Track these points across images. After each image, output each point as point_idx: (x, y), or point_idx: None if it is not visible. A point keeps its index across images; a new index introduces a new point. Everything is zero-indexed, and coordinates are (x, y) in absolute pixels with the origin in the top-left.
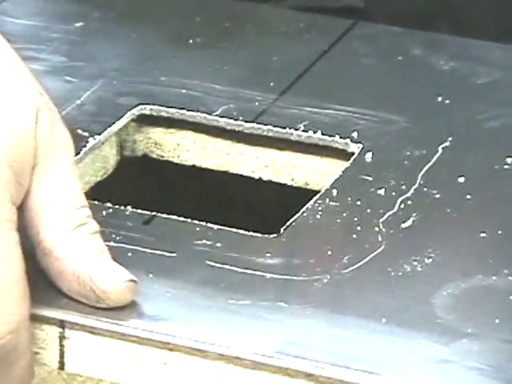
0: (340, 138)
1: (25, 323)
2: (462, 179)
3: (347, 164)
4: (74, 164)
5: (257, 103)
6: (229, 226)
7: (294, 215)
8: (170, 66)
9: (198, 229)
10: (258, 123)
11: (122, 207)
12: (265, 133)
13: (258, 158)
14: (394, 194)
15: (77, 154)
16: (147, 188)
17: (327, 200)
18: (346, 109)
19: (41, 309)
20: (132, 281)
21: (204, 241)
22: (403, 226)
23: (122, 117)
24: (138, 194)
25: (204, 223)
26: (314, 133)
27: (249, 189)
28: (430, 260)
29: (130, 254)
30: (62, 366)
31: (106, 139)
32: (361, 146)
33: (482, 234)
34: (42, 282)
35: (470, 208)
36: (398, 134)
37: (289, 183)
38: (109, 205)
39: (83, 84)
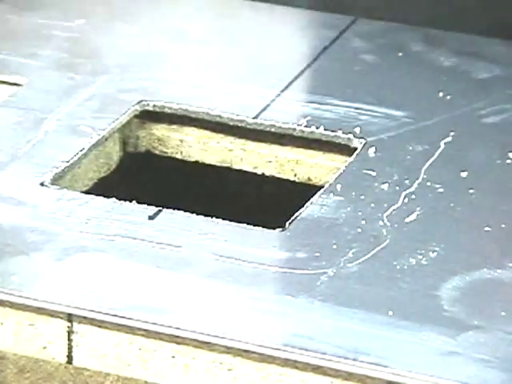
0: (343, 133)
1: None
2: (464, 174)
3: (350, 159)
4: None
5: (259, 99)
6: (231, 221)
7: (297, 210)
8: (172, 63)
9: (203, 223)
10: (260, 119)
11: (128, 202)
12: (267, 129)
13: (260, 153)
14: (397, 188)
15: (81, 150)
16: (150, 184)
17: (331, 195)
18: (348, 104)
19: (49, 302)
20: None
21: (210, 235)
22: (407, 220)
23: (125, 113)
24: (141, 189)
25: (209, 218)
26: (317, 128)
27: (251, 184)
28: (435, 253)
29: (136, 248)
30: (69, 361)
31: (110, 135)
32: (363, 141)
33: (486, 228)
34: (50, 276)
35: (474, 202)
36: (401, 130)
37: (291, 179)
38: (114, 200)
39: (86, 80)
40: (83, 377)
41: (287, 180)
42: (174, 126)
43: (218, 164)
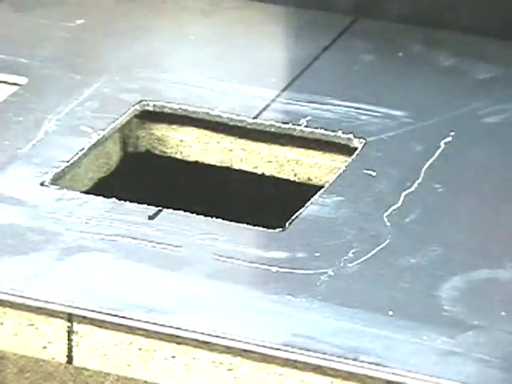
0: (343, 133)
1: None
2: (464, 174)
3: (350, 159)
4: None
5: (259, 99)
6: (231, 221)
7: (297, 210)
8: (172, 63)
9: (203, 223)
10: (260, 119)
11: (128, 202)
12: (267, 129)
13: (260, 153)
14: (397, 188)
15: (81, 150)
16: (150, 184)
17: (332, 194)
18: (348, 104)
19: (49, 302)
20: None
21: (210, 235)
22: (407, 219)
23: (125, 113)
24: (141, 189)
25: (209, 218)
26: (317, 128)
27: (251, 184)
28: (435, 253)
29: (136, 249)
30: (70, 361)
31: (110, 135)
32: (363, 141)
33: (486, 228)
34: (50, 276)
35: (474, 202)
36: (401, 130)
37: (291, 179)
38: (114, 200)
39: (86, 80)
40: (83, 377)
41: (287, 180)
42: (174, 126)
43: (218, 164)
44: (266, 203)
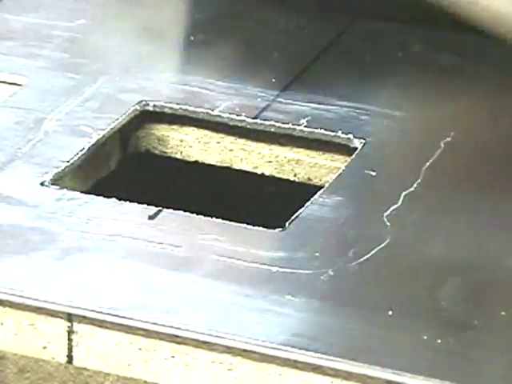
0: (342, 133)
1: None
2: (464, 174)
3: (350, 159)
4: None
5: (259, 99)
6: (231, 221)
7: (297, 210)
8: (172, 63)
9: (203, 223)
10: (260, 119)
11: (128, 202)
12: (267, 129)
13: (260, 153)
14: (397, 188)
15: (81, 150)
16: (150, 184)
17: (332, 194)
18: (348, 104)
19: (49, 302)
20: None
21: (210, 235)
22: (407, 219)
23: (125, 113)
24: (141, 190)
25: (209, 218)
26: (317, 128)
27: (251, 184)
28: (435, 253)
29: (136, 249)
30: (70, 361)
31: (110, 135)
32: (363, 141)
33: (487, 228)
34: (50, 276)
35: (474, 202)
36: (400, 130)
37: (291, 179)
38: (114, 200)
39: (86, 80)
40: (83, 377)
41: (287, 180)
42: (174, 126)
43: (218, 164)
44: (266, 203)
